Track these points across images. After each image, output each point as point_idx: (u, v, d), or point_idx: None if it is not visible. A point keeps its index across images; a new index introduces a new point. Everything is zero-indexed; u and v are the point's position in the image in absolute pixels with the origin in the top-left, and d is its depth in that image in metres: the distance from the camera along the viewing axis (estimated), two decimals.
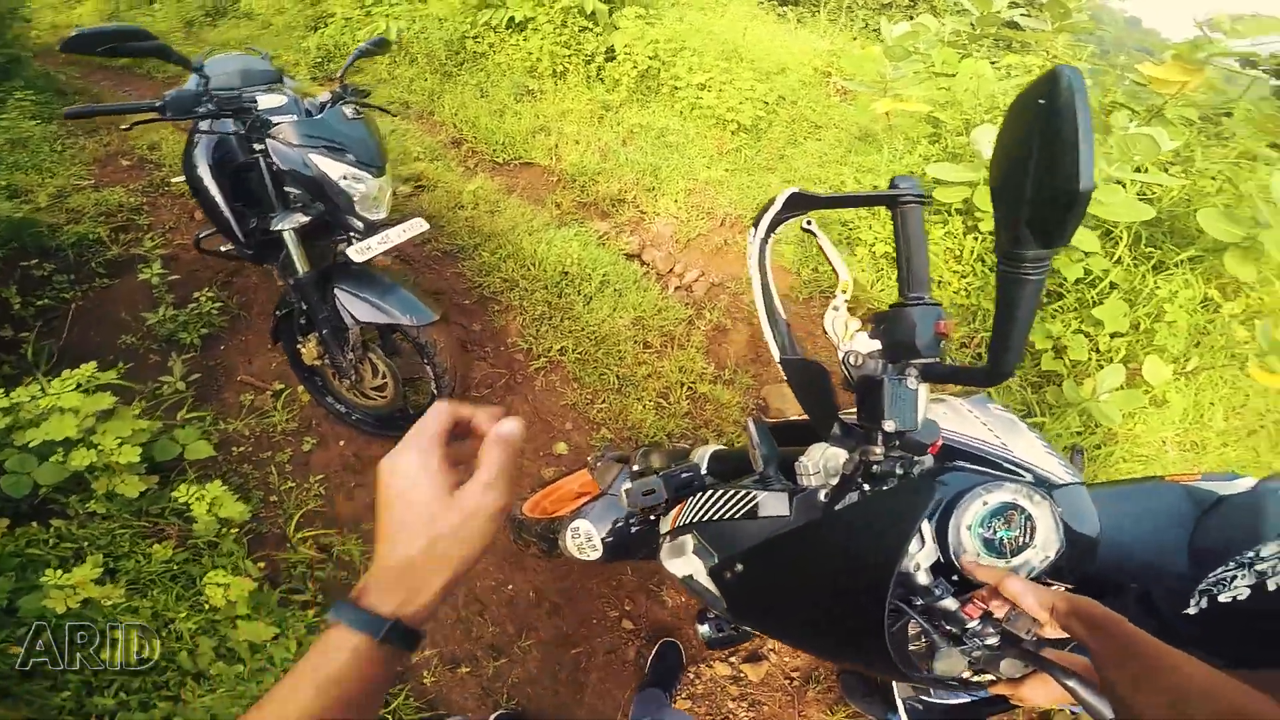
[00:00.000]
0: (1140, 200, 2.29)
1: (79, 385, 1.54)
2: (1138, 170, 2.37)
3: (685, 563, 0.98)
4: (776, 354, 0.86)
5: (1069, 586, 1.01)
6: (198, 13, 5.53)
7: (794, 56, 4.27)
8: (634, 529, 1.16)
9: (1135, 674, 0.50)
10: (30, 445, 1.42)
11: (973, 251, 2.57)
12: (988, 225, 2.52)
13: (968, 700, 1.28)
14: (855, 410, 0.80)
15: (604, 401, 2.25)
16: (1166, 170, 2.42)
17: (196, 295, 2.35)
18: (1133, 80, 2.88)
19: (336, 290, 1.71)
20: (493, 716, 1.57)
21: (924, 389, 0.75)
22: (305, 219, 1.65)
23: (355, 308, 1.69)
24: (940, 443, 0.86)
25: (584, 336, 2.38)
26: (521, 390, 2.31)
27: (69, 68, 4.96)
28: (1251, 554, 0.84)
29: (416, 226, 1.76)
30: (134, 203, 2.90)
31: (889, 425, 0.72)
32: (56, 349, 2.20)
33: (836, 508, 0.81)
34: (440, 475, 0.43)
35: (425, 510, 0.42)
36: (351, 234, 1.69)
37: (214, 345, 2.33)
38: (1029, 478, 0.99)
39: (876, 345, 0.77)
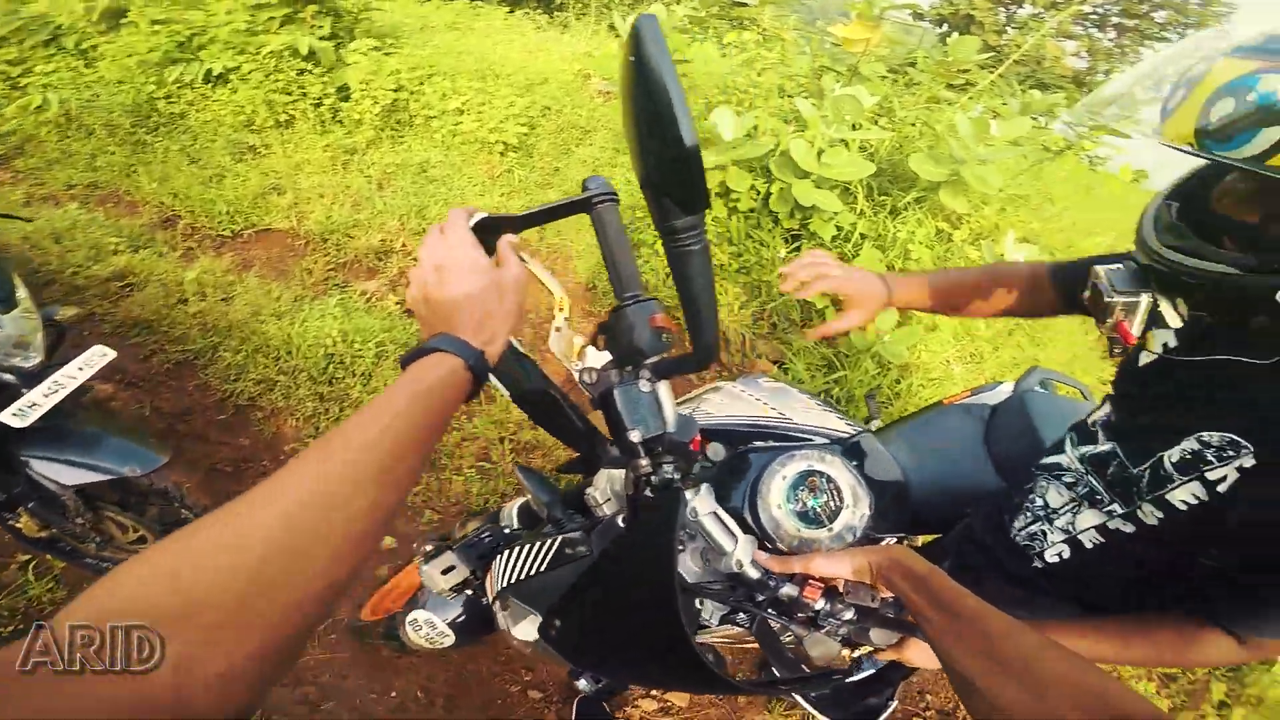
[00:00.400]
0: (863, 155, 2.52)
1: None
2: (854, 128, 2.61)
3: (524, 628, 0.92)
4: (507, 393, 0.77)
5: (901, 537, 1.03)
6: None
7: (552, 65, 4.21)
8: (483, 601, 1.03)
9: (948, 625, 0.54)
10: None
11: (740, 230, 2.67)
12: (746, 203, 2.62)
13: (873, 671, 1.27)
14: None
15: (419, 484, 1.96)
16: (876, 123, 2.70)
17: None
18: (831, 43, 3.21)
19: (25, 458, 1.31)
20: None
21: (664, 387, 0.71)
22: (55, 396, 1.24)
23: (57, 473, 1.31)
24: (699, 438, 0.80)
25: None
26: None
27: None
28: (1042, 502, 0.88)
29: (97, 358, 1.36)
30: None
31: (635, 435, 0.68)
32: None
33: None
34: (483, 254, 0.57)
35: (487, 276, 0.55)
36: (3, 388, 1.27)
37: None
38: (818, 441, 1.00)
39: (606, 356, 0.72)
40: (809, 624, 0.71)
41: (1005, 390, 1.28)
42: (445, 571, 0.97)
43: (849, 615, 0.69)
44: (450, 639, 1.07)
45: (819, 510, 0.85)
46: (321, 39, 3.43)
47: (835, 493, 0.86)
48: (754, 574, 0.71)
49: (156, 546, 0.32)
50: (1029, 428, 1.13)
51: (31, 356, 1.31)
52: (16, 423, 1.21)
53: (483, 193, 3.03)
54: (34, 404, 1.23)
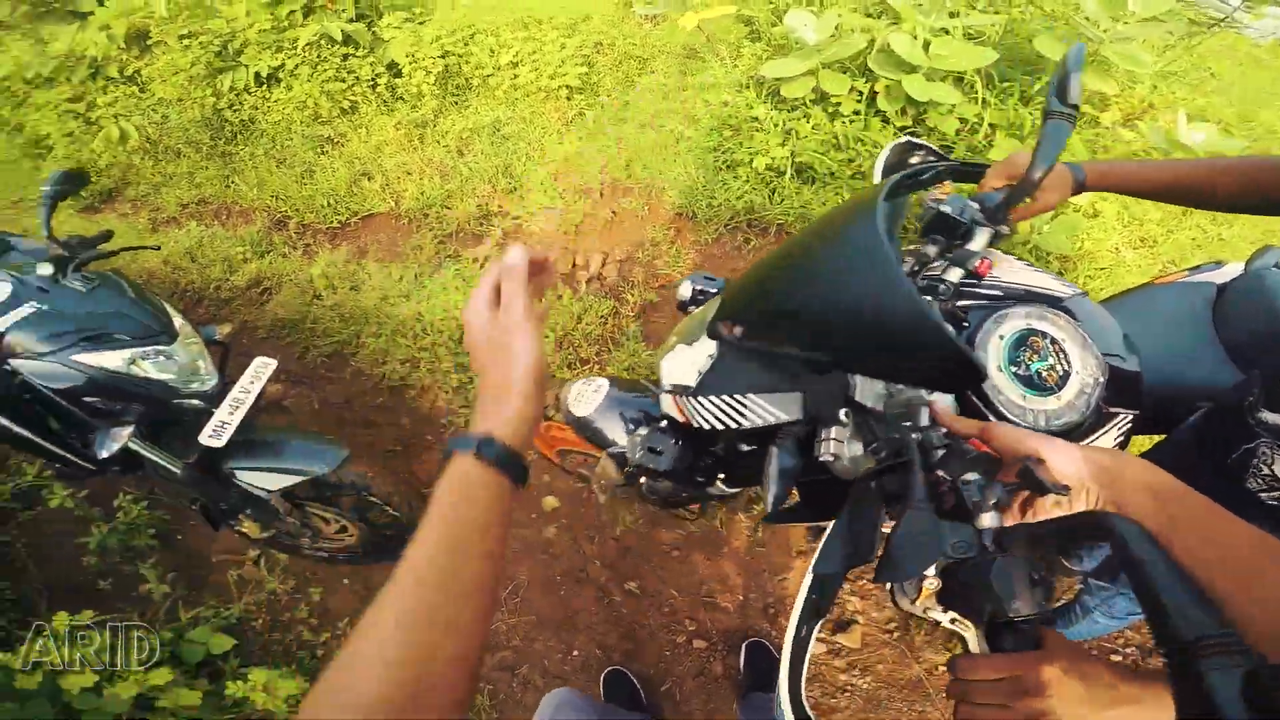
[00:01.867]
0: (972, 43, 2.33)
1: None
2: (952, 15, 2.40)
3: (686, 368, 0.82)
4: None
5: (1135, 415, 0.85)
6: None
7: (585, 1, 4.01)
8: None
9: (1220, 566, 0.44)
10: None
11: (846, 135, 2.54)
12: (849, 106, 2.48)
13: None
14: None
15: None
16: (975, 9, 2.47)
17: (116, 504, 1.93)
18: None
19: (231, 470, 1.43)
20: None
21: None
22: (129, 430, 1.35)
23: (261, 480, 1.43)
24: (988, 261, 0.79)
25: None
26: None
27: None
28: None
29: (262, 369, 1.45)
30: None
31: None
32: (41, 585, 1.89)
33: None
34: (491, 309, 0.54)
35: (484, 337, 0.52)
36: (192, 412, 1.41)
37: (171, 538, 2.00)
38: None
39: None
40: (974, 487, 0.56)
41: (1233, 270, 1.10)
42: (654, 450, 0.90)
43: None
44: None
45: (1045, 375, 0.75)
46: (350, 21, 3.39)
47: (1062, 355, 0.76)
48: (924, 422, 0.60)
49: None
50: (1271, 309, 0.97)
51: (207, 380, 1.42)
52: (214, 443, 1.32)
53: (560, 139, 2.99)
54: (224, 423, 1.34)
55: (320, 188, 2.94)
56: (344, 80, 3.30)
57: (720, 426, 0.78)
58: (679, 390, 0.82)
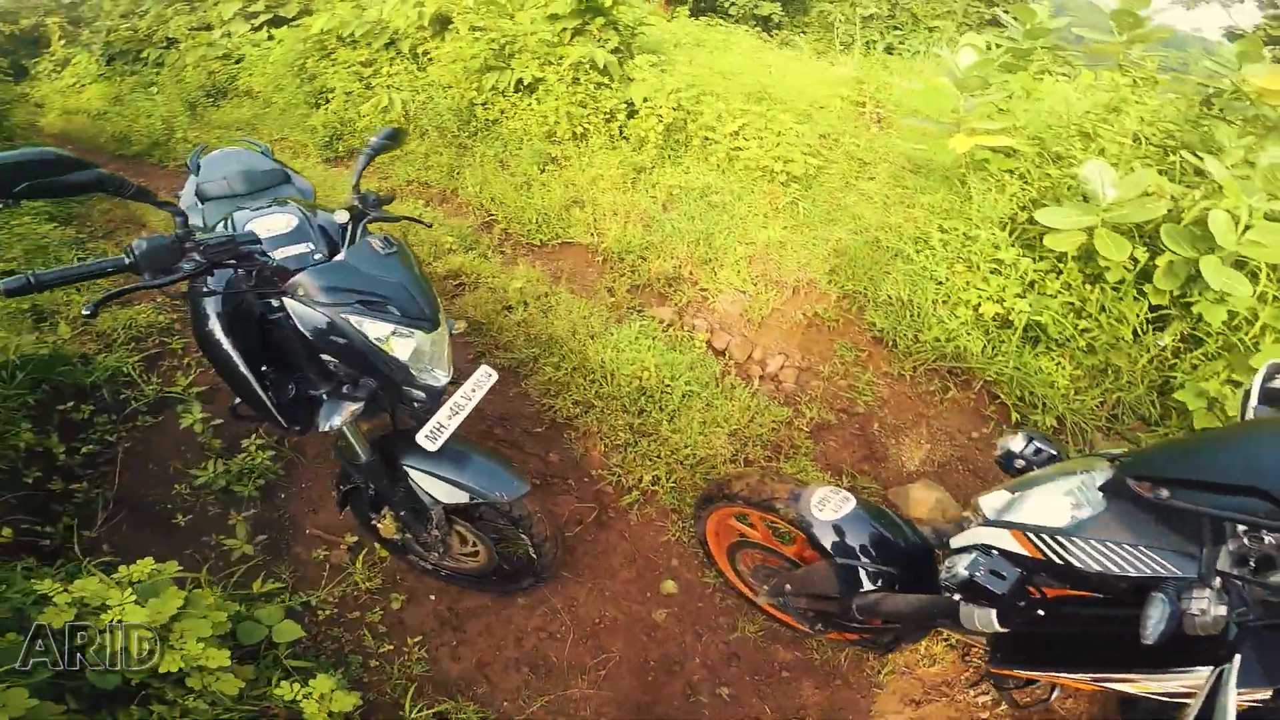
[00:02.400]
0: None
1: (138, 584, 1.31)
2: (1269, 197, 2.09)
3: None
4: None
5: None
6: (199, 94, 5.27)
7: (822, 89, 4.01)
8: None
9: None
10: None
11: (1097, 303, 2.27)
12: (1116, 274, 2.22)
13: None
14: None
15: None
16: None
17: (244, 443, 2.06)
18: (1228, 94, 2.60)
19: (408, 469, 1.41)
20: None
21: None
22: (357, 407, 1.34)
23: (434, 488, 1.41)
24: None
25: (676, 462, 2.06)
26: (614, 526, 2.02)
27: (83, 158, 4.70)
28: None
29: (485, 380, 1.44)
30: (163, 321, 2.57)
31: None
32: (110, 497, 1.97)
33: None
34: None
35: None
36: (409, 405, 1.38)
37: (274, 495, 2.06)
38: None
39: None
40: None
41: None
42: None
43: None
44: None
45: None
46: (612, 52, 3.59)
47: None
48: None
49: None
50: None
51: (442, 376, 1.34)
52: (430, 446, 1.30)
53: (764, 223, 2.95)
54: (441, 427, 1.32)
55: (534, 202, 3.12)
56: (585, 106, 3.50)
57: (1097, 568, 0.85)
58: (1039, 529, 0.92)
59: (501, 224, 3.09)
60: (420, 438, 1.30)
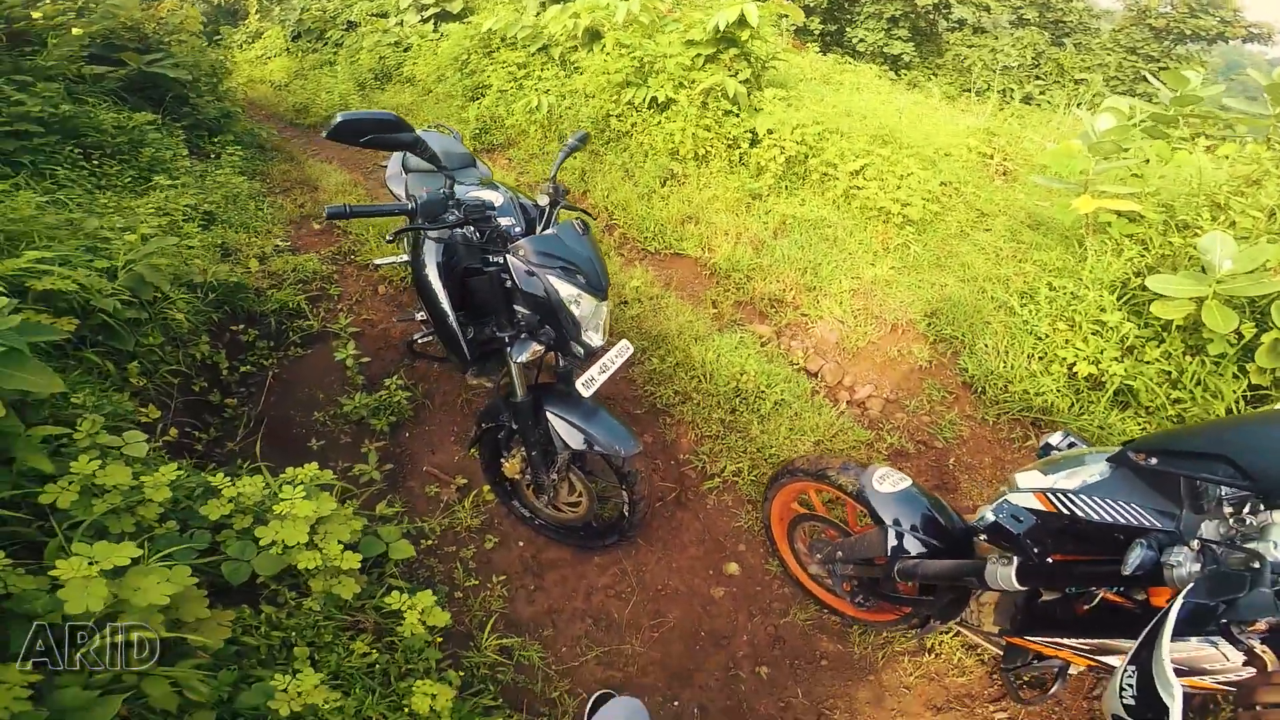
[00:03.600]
0: None
1: (302, 485, 1.53)
2: None
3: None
4: None
5: None
6: (368, 75, 5.99)
7: (949, 136, 4.05)
8: None
9: None
10: (257, 539, 1.43)
11: (1194, 376, 2.24)
12: (1218, 347, 2.19)
13: None
14: None
15: None
16: None
17: (386, 382, 2.43)
18: None
19: (549, 413, 1.70)
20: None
21: None
22: (540, 348, 1.63)
23: (568, 434, 1.68)
24: None
25: (760, 459, 2.25)
26: (691, 507, 2.22)
27: (267, 123, 5.47)
28: None
29: (626, 351, 1.74)
30: (326, 271, 3.03)
31: None
32: (253, 415, 2.34)
33: None
34: None
35: None
36: (569, 359, 1.67)
37: (400, 432, 2.40)
38: None
39: None
40: None
41: None
42: None
43: None
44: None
45: None
46: (743, 83, 3.81)
47: None
48: None
49: None
50: None
51: (597, 339, 1.62)
52: (584, 391, 1.60)
53: (873, 261, 3.07)
54: (593, 378, 1.62)
55: (654, 213, 3.40)
56: (711, 130, 3.75)
57: (1096, 519, 1.01)
58: (1054, 491, 1.08)
59: (622, 228, 3.39)
60: (579, 384, 1.61)
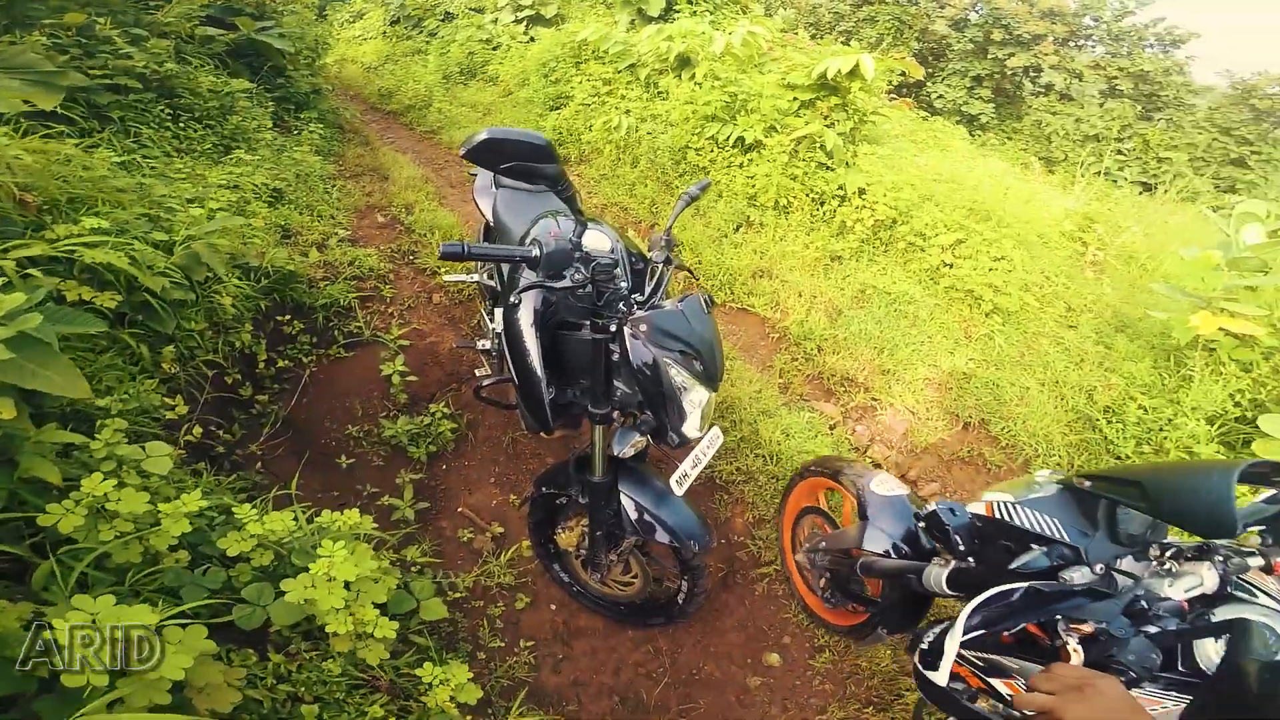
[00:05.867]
0: None
1: (329, 530, 1.42)
2: None
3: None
4: None
5: None
6: (455, 69, 6.01)
7: (1042, 216, 3.81)
8: None
9: None
10: (278, 582, 1.31)
11: None
12: None
13: None
14: None
15: None
16: None
17: (431, 408, 2.32)
18: None
19: (623, 495, 1.55)
20: None
21: None
22: (643, 441, 1.49)
23: (641, 521, 1.54)
24: None
25: None
26: (737, 591, 2.07)
27: (351, 104, 5.49)
28: None
29: (717, 441, 1.58)
30: (383, 269, 2.90)
31: None
32: (281, 416, 2.22)
33: None
34: None
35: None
36: (659, 444, 1.51)
37: (437, 464, 2.28)
38: None
39: None
40: None
41: None
42: None
43: None
44: None
45: None
46: (839, 135, 3.64)
47: None
48: None
49: None
50: None
51: (697, 431, 1.44)
52: (677, 490, 1.48)
53: (953, 349, 2.87)
54: (686, 474, 1.50)
55: (724, 260, 3.25)
56: (798, 181, 3.59)
57: (1022, 525, 1.10)
58: (1000, 501, 1.16)
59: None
60: (672, 481, 1.49)
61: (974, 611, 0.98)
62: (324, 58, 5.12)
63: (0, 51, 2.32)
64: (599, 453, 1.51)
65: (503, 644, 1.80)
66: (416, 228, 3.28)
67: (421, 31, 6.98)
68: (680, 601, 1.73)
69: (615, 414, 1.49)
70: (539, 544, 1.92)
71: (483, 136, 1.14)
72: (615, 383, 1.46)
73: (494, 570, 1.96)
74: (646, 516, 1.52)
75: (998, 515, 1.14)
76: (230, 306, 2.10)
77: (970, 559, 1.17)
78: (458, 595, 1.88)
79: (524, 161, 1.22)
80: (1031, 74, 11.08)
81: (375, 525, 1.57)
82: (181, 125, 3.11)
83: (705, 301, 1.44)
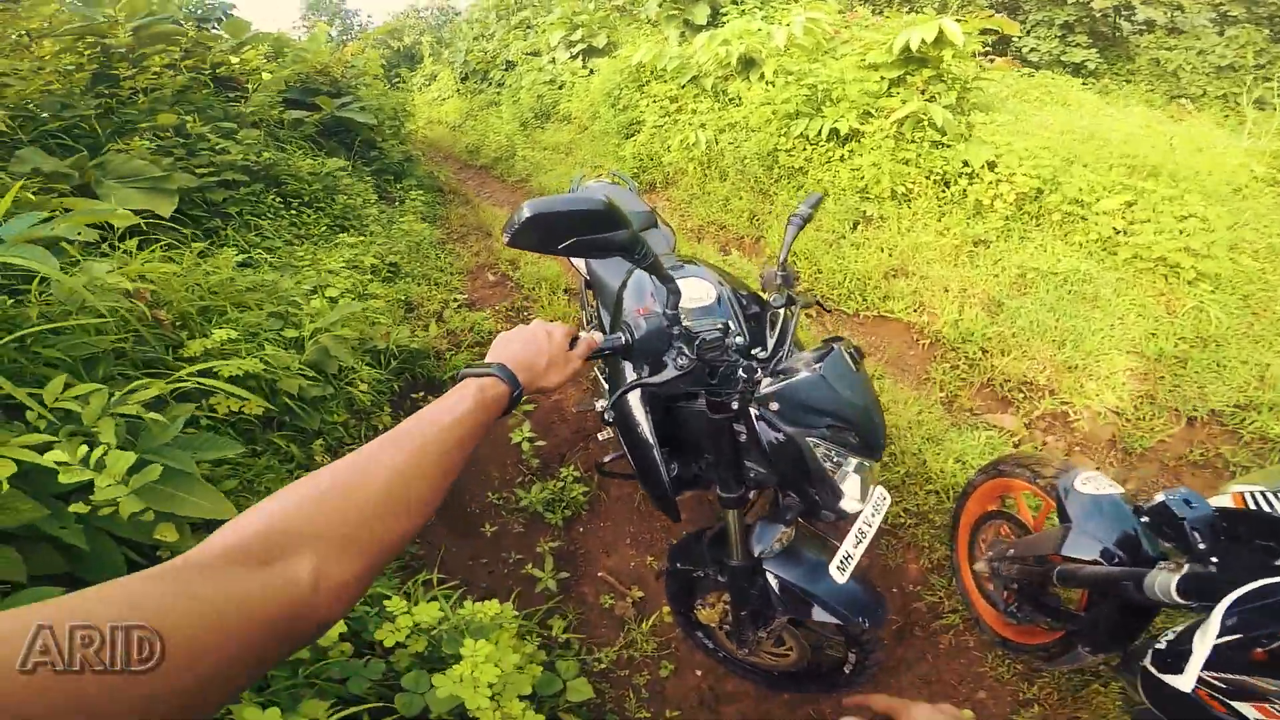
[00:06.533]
0: None
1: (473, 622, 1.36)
2: None
3: None
4: None
5: None
6: (529, 114, 6.12)
7: (1223, 163, 3.19)
8: None
9: None
10: (431, 674, 1.26)
11: None
12: None
13: None
14: None
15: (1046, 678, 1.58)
16: None
17: (561, 472, 2.20)
18: None
19: (769, 574, 1.30)
20: None
21: None
22: (789, 531, 1.26)
23: (795, 604, 1.29)
24: None
25: None
26: (917, 644, 1.74)
27: (444, 164, 5.71)
28: None
29: (882, 504, 1.25)
30: (500, 330, 2.87)
31: None
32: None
33: None
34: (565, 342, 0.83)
35: (558, 353, 0.81)
36: (816, 520, 1.24)
37: (574, 527, 2.15)
38: None
39: None
40: None
41: None
42: None
43: None
44: None
45: None
46: (946, 107, 3.24)
47: None
48: None
49: (300, 482, 0.47)
50: None
51: (856, 506, 1.18)
52: (840, 579, 1.20)
53: (1154, 330, 2.38)
54: (849, 557, 1.21)
55: (847, 264, 2.93)
56: (910, 164, 3.22)
57: None
58: (1255, 490, 1.04)
59: (807, 282, 2.96)
60: (832, 568, 1.21)
61: (1232, 607, 0.83)
62: (408, 124, 5.33)
63: (109, 160, 2.43)
64: (734, 537, 1.27)
65: (649, 715, 1.65)
66: (525, 282, 3.24)
67: (490, 83, 7.21)
68: (846, 672, 1.46)
69: (751, 493, 1.27)
70: (679, 613, 1.71)
71: (525, 215, 0.75)
72: (747, 463, 1.22)
73: (637, 639, 1.80)
74: (802, 600, 1.26)
75: (1252, 507, 0.99)
76: (365, 395, 2.10)
77: (1212, 560, 0.97)
78: (602, 666, 1.75)
79: (582, 236, 0.87)
80: (1124, 12, 9.86)
81: (517, 608, 1.50)
82: (294, 211, 3.23)
83: (852, 356, 1.14)
